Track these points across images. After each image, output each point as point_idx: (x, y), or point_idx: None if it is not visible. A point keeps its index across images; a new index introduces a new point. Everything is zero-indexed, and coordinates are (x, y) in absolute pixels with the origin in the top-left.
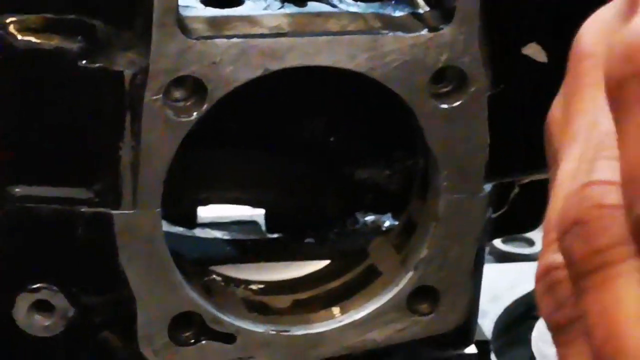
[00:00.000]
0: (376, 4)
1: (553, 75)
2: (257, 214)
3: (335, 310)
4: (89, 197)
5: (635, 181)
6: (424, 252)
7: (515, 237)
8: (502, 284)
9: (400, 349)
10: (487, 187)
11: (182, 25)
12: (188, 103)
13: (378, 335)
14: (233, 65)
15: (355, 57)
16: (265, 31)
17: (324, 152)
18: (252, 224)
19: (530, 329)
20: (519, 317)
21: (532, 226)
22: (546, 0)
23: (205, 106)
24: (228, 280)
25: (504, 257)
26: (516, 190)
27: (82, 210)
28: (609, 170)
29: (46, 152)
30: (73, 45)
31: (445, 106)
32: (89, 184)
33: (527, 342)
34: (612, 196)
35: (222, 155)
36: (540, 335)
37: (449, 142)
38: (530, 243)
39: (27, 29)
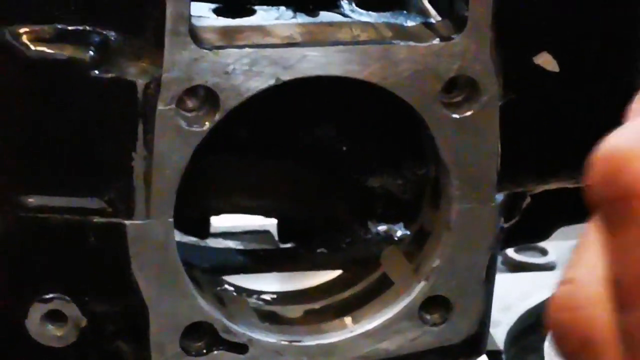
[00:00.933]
0: (388, 14)
1: (564, 84)
2: (269, 223)
3: (347, 320)
4: (101, 207)
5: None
6: (436, 262)
7: (529, 247)
8: (515, 294)
9: (412, 359)
10: (499, 196)
11: (194, 35)
12: (200, 113)
13: (390, 345)
14: (245, 75)
15: (367, 66)
16: (278, 41)
17: (336, 161)
18: (264, 233)
19: (543, 339)
20: (532, 326)
21: (545, 236)
22: (557, 10)
23: (217, 116)
24: (240, 290)
25: (517, 267)
26: (528, 200)
27: (95, 220)
28: None
29: (59, 162)
30: (85, 56)
31: (456, 115)
32: (102, 193)
33: (540, 352)
34: None
35: (235, 164)
36: (552, 345)
37: (460, 152)
38: (544, 252)
39: (40, 40)
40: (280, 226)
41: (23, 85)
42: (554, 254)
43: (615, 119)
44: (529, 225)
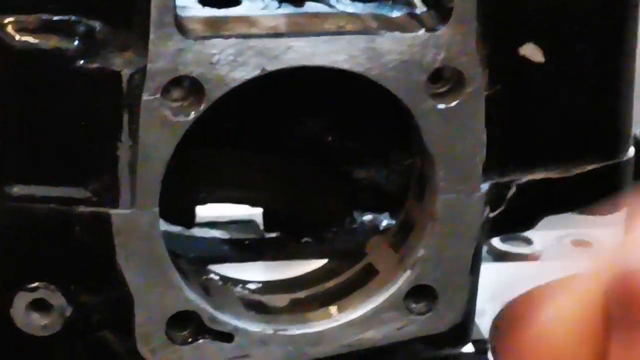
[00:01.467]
0: (373, 5)
1: (550, 75)
2: (255, 213)
3: (333, 309)
4: (86, 197)
5: None
6: (421, 251)
7: (514, 237)
8: (500, 283)
9: (397, 348)
10: (484, 186)
11: (179, 25)
12: (186, 103)
13: (375, 334)
14: (230, 66)
15: (353, 57)
16: (263, 31)
17: (322, 152)
18: (249, 223)
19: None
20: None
21: (530, 226)
22: (542, 1)
23: (202, 106)
24: (226, 279)
25: (502, 256)
26: (514, 189)
27: (80, 209)
28: None
29: (44, 151)
30: (70, 46)
31: (442, 106)
32: (87, 183)
33: None
34: None
35: (220, 154)
36: None
37: (445, 142)
38: (529, 242)
39: (25, 29)
40: (265, 216)
41: (8, 75)
42: (539, 244)
43: (599, 109)
44: (514, 215)
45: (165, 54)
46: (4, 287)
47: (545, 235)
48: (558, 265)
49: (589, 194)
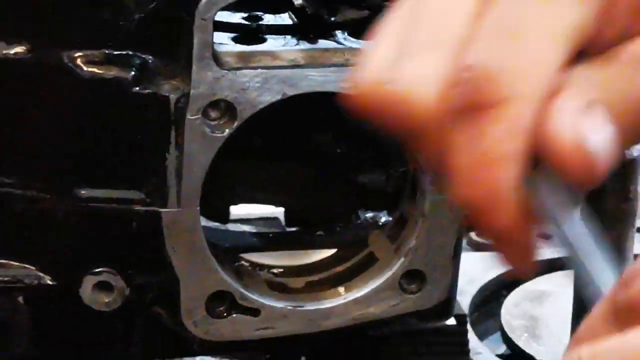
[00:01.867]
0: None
1: None
2: (277, 211)
3: (341, 289)
4: (141, 198)
5: None
6: (413, 242)
7: None
8: (477, 269)
9: (394, 321)
10: None
11: (216, 58)
12: (221, 121)
13: (375, 310)
14: (258, 91)
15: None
16: (284, 63)
17: (332, 162)
18: (273, 219)
19: (500, 305)
20: (491, 295)
21: None
22: None
23: (235, 124)
24: (254, 265)
25: (479, 246)
26: None
27: (136, 208)
28: None
29: (107, 161)
30: (128, 75)
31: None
32: (142, 187)
33: (498, 315)
34: None
35: (250, 164)
36: (508, 311)
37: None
38: None
39: (92, 62)
40: (286, 214)
41: (77, 99)
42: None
43: None
44: None
45: (205, 81)
46: (74, 271)
47: None
48: None
49: None
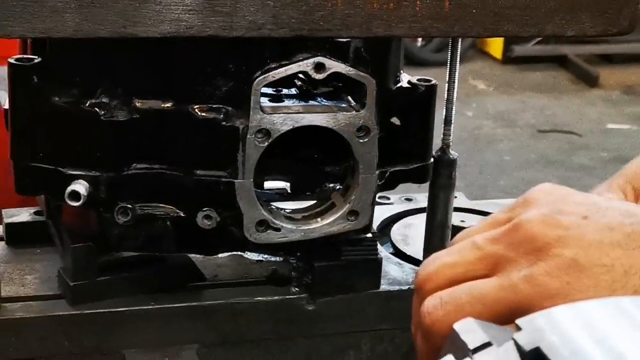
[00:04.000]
0: (337, 100)
1: (403, 128)
2: (286, 185)
3: (319, 219)
4: (227, 174)
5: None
6: (352, 197)
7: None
8: (385, 213)
9: (342, 234)
10: (377, 172)
11: (262, 108)
12: (263, 139)
13: (334, 229)
14: (280, 125)
15: (329, 121)
16: (293, 111)
17: (316, 161)
18: (284, 189)
19: (390, 228)
20: (386, 225)
21: (393, 187)
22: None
23: (270, 140)
24: (277, 208)
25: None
26: (387, 173)
27: (224, 180)
28: None
29: (214, 157)
30: (220, 116)
31: (361, 140)
32: (227, 169)
33: (389, 235)
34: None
35: (274, 162)
36: (393, 235)
37: (362, 153)
38: (409, 199)
39: (203, 110)
40: (291, 186)
41: (197, 130)
42: (421, 201)
43: (419, 141)
44: (388, 184)
45: (255, 120)
46: (194, 210)
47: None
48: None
49: (417, 176)
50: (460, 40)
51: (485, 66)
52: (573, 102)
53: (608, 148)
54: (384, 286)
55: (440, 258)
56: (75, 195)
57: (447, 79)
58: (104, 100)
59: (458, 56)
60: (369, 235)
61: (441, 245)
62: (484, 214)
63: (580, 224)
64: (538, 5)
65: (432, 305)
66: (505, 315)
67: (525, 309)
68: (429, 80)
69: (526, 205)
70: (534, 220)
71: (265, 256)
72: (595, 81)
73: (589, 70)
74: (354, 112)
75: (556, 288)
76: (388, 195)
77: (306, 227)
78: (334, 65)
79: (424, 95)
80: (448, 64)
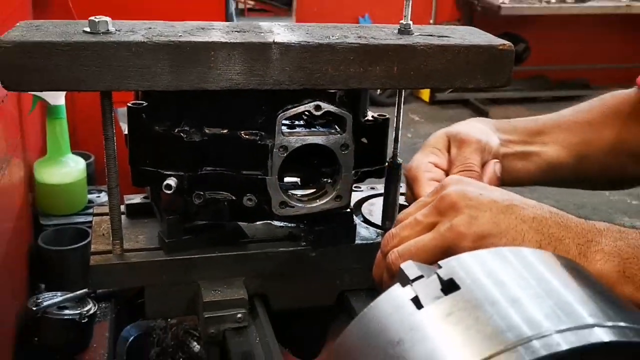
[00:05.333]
0: (327, 127)
1: (368, 144)
2: (298, 179)
3: (317, 200)
4: (262, 173)
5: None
6: (338, 187)
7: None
8: (358, 196)
9: (332, 212)
10: (353, 172)
11: (282, 133)
12: (284, 152)
13: (328, 206)
14: (294, 143)
15: (323, 141)
16: (301, 135)
17: (316, 166)
18: (297, 182)
19: (361, 207)
20: (358, 204)
21: (363, 180)
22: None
23: (287, 152)
24: (292, 194)
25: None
26: (359, 173)
27: (259, 177)
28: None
29: (255, 162)
30: (257, 138)
31: (343, 152)
32: (261, 169)
33: (361, 209)
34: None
35: (290, 165)
36: (363, 210)
37: (344, 160)
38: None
39: (246, 134)
40: (300, 181)
41: (244, 148)
42: (380, 189)
43: (377, 151)
44: (362, 177)
45: (279, 140)
46: (240, 195)
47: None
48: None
49: (377, 174)
50: (403, 90)
51: (418, 106)
52: None
53: None
54: (357, 241)
55: (396, 231)
56: (168, 186)
57: (395, 114)
58: (186, 128)
59: (402, 100)
60: (348, 210)
61: (392, 216)
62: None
63: (479, 196)
64: (450, 70)
65: (393, 255)
66: (440, 258)
67: (452, 251)
68: (384, 115)
69: (444, 186)
70: (452, 193)
71: (285, 223)
72: (486, 116)
73: (482, 108)
74: (338, 135)
75: (468, 233)
76: (360, 186)
77: (310, 205)
78: (327, 107)
79: (381, 125)
80: (396, 105)
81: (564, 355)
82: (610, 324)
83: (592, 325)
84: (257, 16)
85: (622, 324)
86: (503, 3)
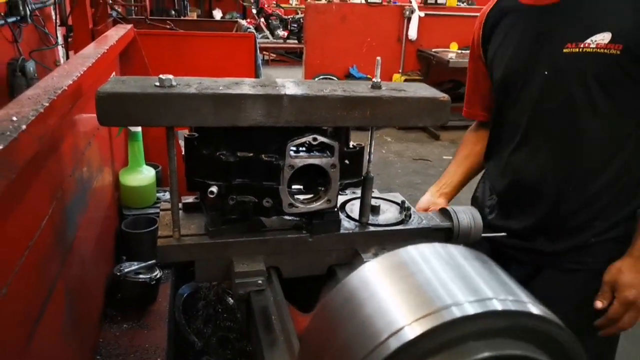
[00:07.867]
0: (322, 153)
1: (350, 164)
2: (301, 187)
3: (314, 203)
4: (275, 183)
5: None
6: (328, 193)
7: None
8: (342, 199)
9: (324, 210)
10: (339, 183)
11: (290, 156)
12: (291, 169)
13: (322, 207)
14: (299, 163)
15: (319, 162)
16: (304, 158)
17: (314, 178)
18: (301, 189)
19: (345, 206)
20: (343, 204)
21: (345, 188)
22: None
23: (293, 170)
24: (297, 197)
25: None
26: (344, 184)
27: (273, 186)
28: None
29: (271, 175)
30: (273, 159)
31: (332, 170)
32: (274, 180)
33: (345, 209)
34: None
35: (296, 178)
36: (346, 208)
37: (333, 176)
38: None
39: (266, 156)
40: (303, 188)
41: (262, 167)
42: (359, 194)
43: (355, 165)
44: (344, 187)
45: (288, 161)
46: (266, 197)
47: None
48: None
49: (356, 185)
50: (374, 127)
51: (390, 130)
52: (428, 147)
53: (443, 166)
54: (342, 231)
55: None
56: (211, 192)
57: (369, 142)
58: (223, 152)
59: (374, 132)
60: (335, 209)
61: (366, 213)
62: (386, 200)
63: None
64: (406, 114)
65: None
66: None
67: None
68: (361, 144)
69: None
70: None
71: (292, 218)
72: (438, 137)
73: (435, 132)
74: (329, 158)
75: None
76: (345, 192)
77: (309, 206)
78: (321, 138)
79: (359, 151)
80: (369, 138)
81: (472, 317)
82: (502, 297)
83: (491, 298)
84: (277, 65)
85: (510, 297)
86: (451, 58)
